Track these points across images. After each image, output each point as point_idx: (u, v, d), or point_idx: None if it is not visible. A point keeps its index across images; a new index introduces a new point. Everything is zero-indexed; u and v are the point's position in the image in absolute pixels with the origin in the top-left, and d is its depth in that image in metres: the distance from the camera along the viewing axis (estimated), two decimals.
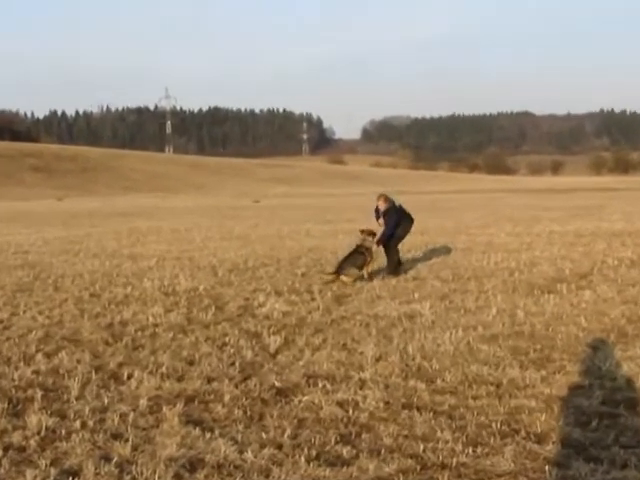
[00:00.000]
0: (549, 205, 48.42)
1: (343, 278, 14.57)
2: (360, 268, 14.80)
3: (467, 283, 14.53)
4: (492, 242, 22.52)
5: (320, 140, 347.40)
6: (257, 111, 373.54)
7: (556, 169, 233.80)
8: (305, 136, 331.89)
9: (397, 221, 15.45)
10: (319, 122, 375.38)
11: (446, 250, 20.23)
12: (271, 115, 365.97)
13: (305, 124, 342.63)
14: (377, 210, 15.74)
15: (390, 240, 15.53)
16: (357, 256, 14.92)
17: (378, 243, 15.28)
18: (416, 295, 13.25)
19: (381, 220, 15.58)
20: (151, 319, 11.45)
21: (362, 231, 15.44)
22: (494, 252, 19.56)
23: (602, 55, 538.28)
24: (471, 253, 19.58)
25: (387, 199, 15.68)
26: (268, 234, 27.63)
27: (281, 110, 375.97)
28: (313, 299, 13.13)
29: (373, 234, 15.33)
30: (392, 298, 13.02)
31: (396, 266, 15.63)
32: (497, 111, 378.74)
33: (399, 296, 13.21)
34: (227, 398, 7.44)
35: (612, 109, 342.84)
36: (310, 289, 14.14)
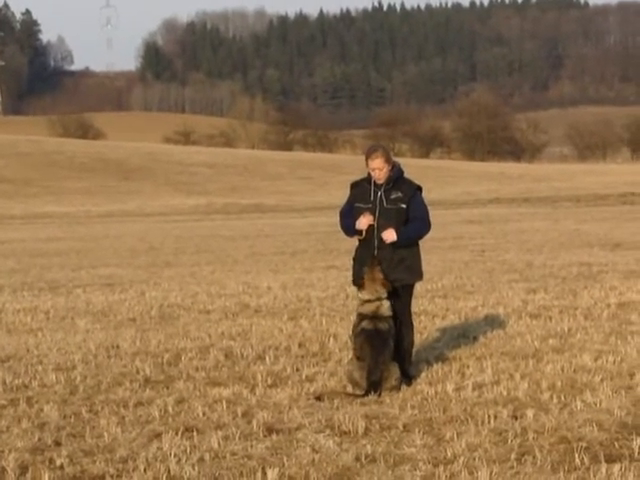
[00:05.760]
0: (623, 236, 24.06)
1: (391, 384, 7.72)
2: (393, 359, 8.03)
3: None
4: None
5: (37, 73, 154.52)
6: None
7: None
8: None
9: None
10: (27, 23, 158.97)
11: None
12: None
13: None
14: (359, 186, 8.00)
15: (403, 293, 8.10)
16: (382, 342, 7.80)
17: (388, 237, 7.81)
18: None
19: (366, 218, 7.77)
20: None
21: (361, 284, 7.99)
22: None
23: None
24: None
25: (389, 156, 7.90)
26: None
27: None
28: None
29: (383, 278, 7.81)
30: None
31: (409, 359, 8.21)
32: None
33: None
34: None
35: None
36: None
